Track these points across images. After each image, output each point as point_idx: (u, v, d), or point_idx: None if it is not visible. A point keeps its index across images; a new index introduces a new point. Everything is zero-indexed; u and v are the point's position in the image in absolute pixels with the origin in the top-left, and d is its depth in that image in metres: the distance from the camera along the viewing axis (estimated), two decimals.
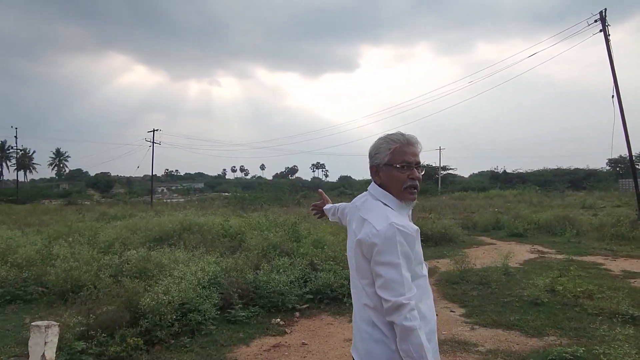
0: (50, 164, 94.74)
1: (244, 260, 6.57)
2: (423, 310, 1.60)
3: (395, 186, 1.72)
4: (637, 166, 48.35)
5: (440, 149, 62.53)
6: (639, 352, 3.95)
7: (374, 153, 1.77)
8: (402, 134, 1.75)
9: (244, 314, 5.20)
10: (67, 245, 7.61)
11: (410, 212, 1.78)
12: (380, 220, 1.61)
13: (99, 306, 4.69)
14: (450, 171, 64.90)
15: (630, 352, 3.69)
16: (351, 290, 1.82)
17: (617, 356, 3.61)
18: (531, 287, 6.08)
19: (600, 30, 16.46)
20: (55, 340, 3.47)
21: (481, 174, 70.87)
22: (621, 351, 3.66)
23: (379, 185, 1.76)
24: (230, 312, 5.21)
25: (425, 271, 1.71)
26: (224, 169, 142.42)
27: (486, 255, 9.69)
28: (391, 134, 1.77)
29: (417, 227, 1.67)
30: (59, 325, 3.59)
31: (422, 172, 1.80)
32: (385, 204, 1.70)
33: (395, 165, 1.71)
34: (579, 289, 5.87)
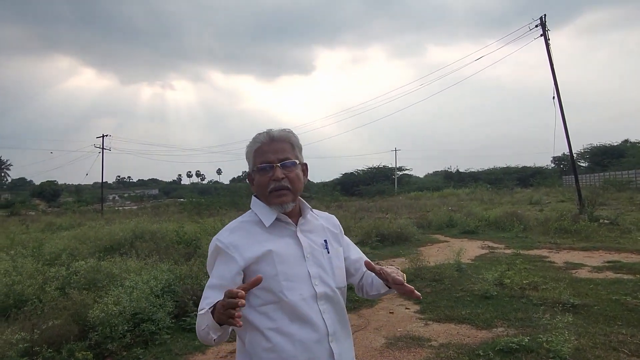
0: None
1: (199, 267, 6.45)
2: (274, 340, 1.39)
3: (262, 192, 1.50)
4: (579, 163, 51.28)
5: (395, 150, 63.89)
6: (578, 338, 4.20)
7: (246, 160, 1.56)
8: (269, 131, 1.53)
9: None
10: (8, 259, 7.21)
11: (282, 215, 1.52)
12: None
13: (44, 321, 4.49)
14: (406, 172, 66.27)
15: (569, 339, 3.92)
16: None
17: (558, 343, 3.82)
18: (481, 282, 6.31)
19: (541, 35, 17.37)
20: None
21: (435, 173, 72.82)
22: (562, 338, 3.88)
23: (255, 195, 1.57)
24: (185, 320, 5.11)
25: (294, 296, 1.41)
26: (180, 175, 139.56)
27: (440, 252, 9.97)
28: (257, 134, 1.54)
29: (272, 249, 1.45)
30: None
31: (296, 168, 1.52)
32: (255, 213, 1.53)
33: (255, 168, 1.52)
34: (525, 281, 6.17)
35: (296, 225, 1.53)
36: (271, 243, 1.46)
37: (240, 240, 1.46)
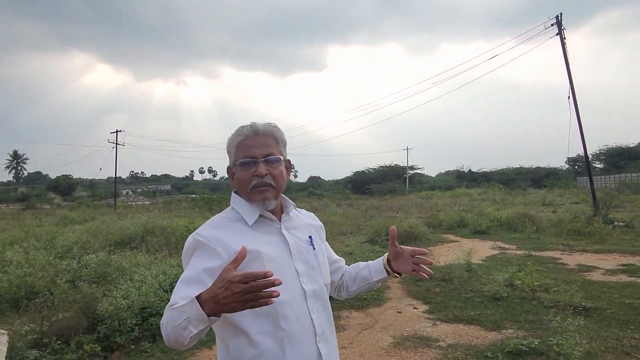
0: (7, 167, 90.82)
1: None
2: (262, 345, 1.30)
3: (244, 189, 1.42)
4: (594, 164, 50.46)
5: (407, 149, 63.64)
6: (589, 341, 4.12)
7: (227, 153, 1.48)
8: (253, 124, 1.44)
9: None
10: (21, 251, 7.32)
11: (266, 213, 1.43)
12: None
13: (54, 313, 4.54)
14: (417, 170, 66.02)
15: (581, 342, 3.85)
16: None
17: (568, 346, 3.75)
18: (491, 283, 6.24)
19: (557, 34, 17.10)
20: (4, 349, 3.34)
21: (447, 173, 72.38)
22: (573, 341, 3.81)
23: (235, 191, 1.49)
24: None
25: (283, 295, 1.25)
26: (192, 171, 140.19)
27: (450, 252, 9.88)
28: (241, 126, 1.45)
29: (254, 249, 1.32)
30: (8, 334, 3.45)
31: (280, 165, 1.45)
32: (236, 210, 1.44)
33: (237, 162, 1.43)
34: (536, 283, 6.08)
35: (280, 222, 1.47)
36: (257, 240, 1.37)
37: (224, 235, 1.35)
